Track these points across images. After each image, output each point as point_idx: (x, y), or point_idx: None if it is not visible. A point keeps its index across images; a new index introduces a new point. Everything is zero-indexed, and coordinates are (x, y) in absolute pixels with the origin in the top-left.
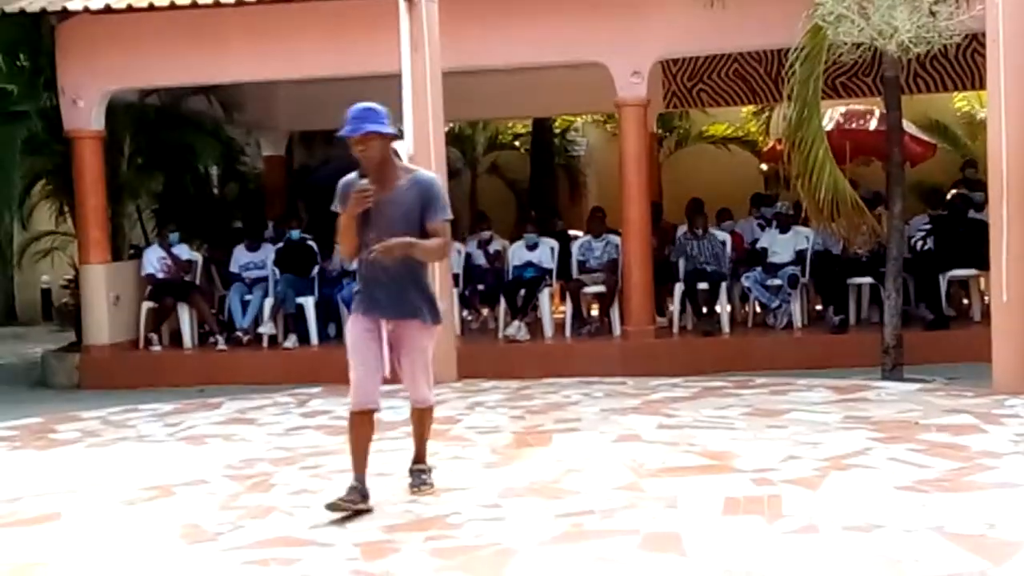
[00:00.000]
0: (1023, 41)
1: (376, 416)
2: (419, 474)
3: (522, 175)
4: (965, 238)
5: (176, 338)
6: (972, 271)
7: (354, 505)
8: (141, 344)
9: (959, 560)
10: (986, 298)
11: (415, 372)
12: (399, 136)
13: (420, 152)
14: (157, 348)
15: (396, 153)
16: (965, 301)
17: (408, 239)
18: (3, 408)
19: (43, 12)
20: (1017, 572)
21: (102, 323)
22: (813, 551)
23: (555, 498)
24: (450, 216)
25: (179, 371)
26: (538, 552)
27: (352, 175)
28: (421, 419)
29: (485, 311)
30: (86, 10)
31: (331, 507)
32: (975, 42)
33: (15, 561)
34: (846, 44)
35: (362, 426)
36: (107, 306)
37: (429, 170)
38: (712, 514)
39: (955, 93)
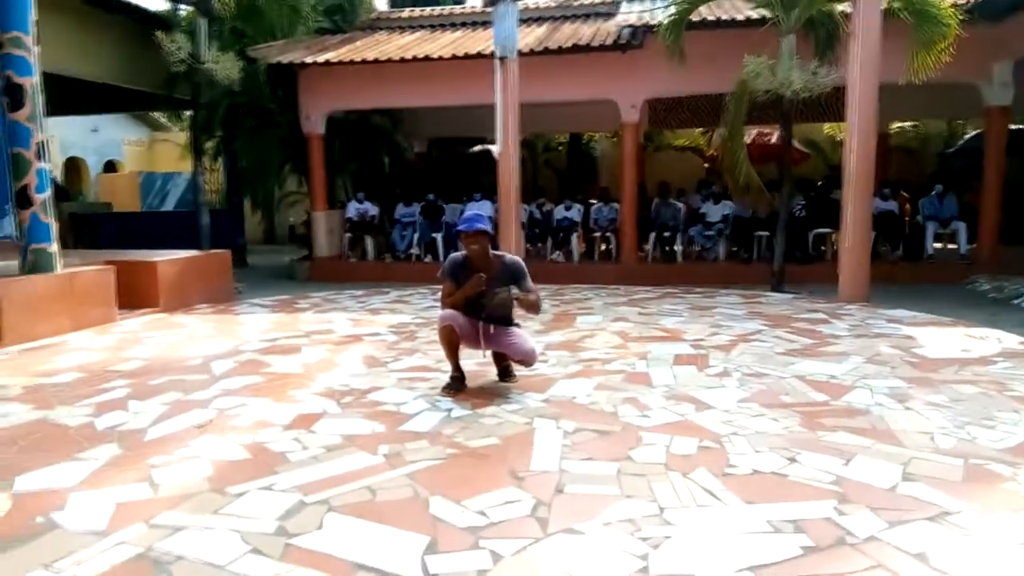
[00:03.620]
0: (869, 93)
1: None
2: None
3: (562, 166)
4: (825, 209)
5: (363, 255)
6: (828, 229)
7: (457, 383)
8: (344, 257)
9: (813, 395)
10: (835, 246)
11: (521, 340)
12: (494, 237)
13: (505, 151)
14: (353, 260)
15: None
16: (822, 248)
17: (514, 292)
18: (268, 289)
19: (291, 63)
20: (849, 402)
21: (322, 244)
22: (725, 387)
23: (576, 351)
24: (532, 283)
25: (365, 273)
26: (566, 381)
27: (458, 255)
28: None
29: (539, 245)
30: (315, 63)
31: (443, 390)
32: (838, 91)
33: (277, 371)
34: (761, 91)
35: (449, 332)
36: (325, 235)
37: (507, 158)
38: (667, 363)
39: (824, 123)
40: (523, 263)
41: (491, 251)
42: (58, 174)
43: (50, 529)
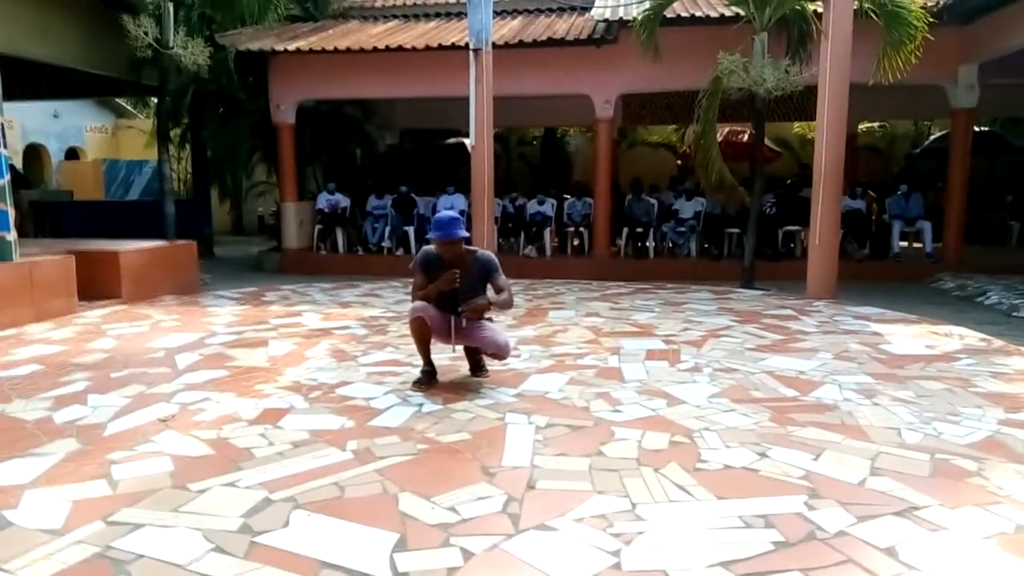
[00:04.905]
0: (839, 92)
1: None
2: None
3: (536, 160)
4: (795, 207)
5: (334, 247)
6: (797, 227)
7: (428, 377)
8: (314, 249)
9: (783, 390)
10: (804, 243)
11: (493, 334)
12: (469, 238)
13: (478, 145)
14: (323, 252)
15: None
16: (791, 245)
17: (488, 299)
18: (235, 281)
19: (261, 51)
20: (818, 398)
21: (292, 236)
22: (697, 382)
23: (549, 346)
24: (504, 278)
25: (335, 266)
26: (538, 375)
27: (430, 248)
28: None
29: (512, 239)
30: (286, 51)
31: (414, 385)
32: (810, 91)
33: (242, 364)
34: (733, 88)
35: (420, 324)
36: (295, 226)
37: (481, 151)
38: (639, 358)
39: (795, 122)
40: (495, 258)
41: (464, 247)
42: (18, 161)
43: (3, 528)
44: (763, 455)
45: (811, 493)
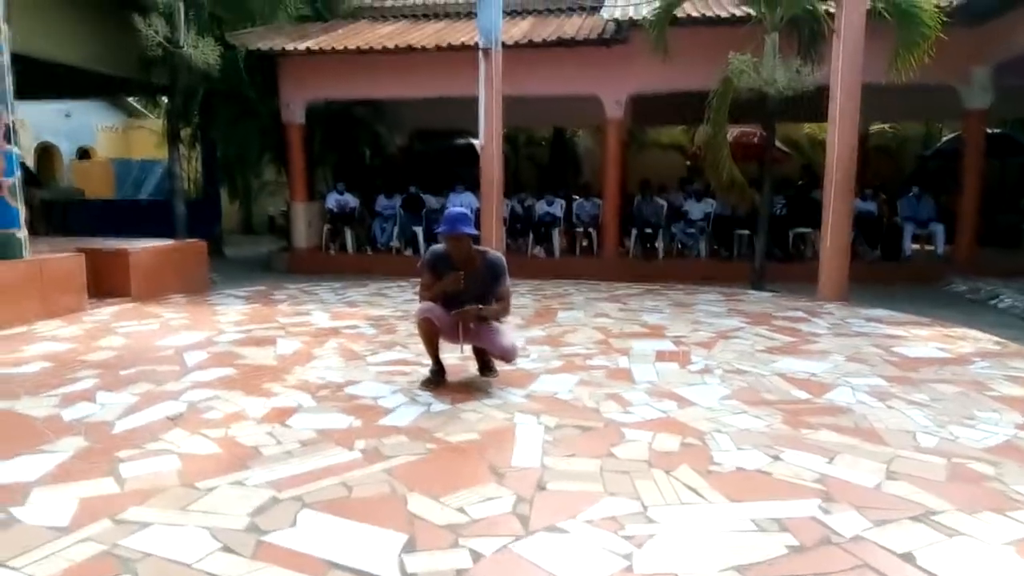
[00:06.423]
0: (851, 93)
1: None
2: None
3: (545, 161)
4: (805, 209)
5: (343, 247)
6: (808, 229)
7: (436, 377)
8: (323, 249)
9: (795, 392)
10: (815, 245)
11: (500, 336)
12: (478, 237)
13: (487, 145)
14: (332, 252)
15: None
16: (802, 247)
17: (481, 308)
18: (244, 280)
19: (271, 50)
20: (831, 400)
21: (301, 236)
22: (707, 384)
23: (558, 346)
24: (509, 284)
25: (344, 265)
26: (547, 376)
27: (439, 247)
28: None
29: (520, 240)
30: (296, 50)
31: (423, 384)
32: (821, 91)
33: (251, 363)
34: (745, 88)
35: (427, 325)
36: (304, 226)
37: (490, 152)
38: (649, 360)
39: (804, 123)
40: (504, 262)
41: (473, 247)
42: (30, 160)
43: (9, 525)
44: (776, 458)
45: (825, 497)
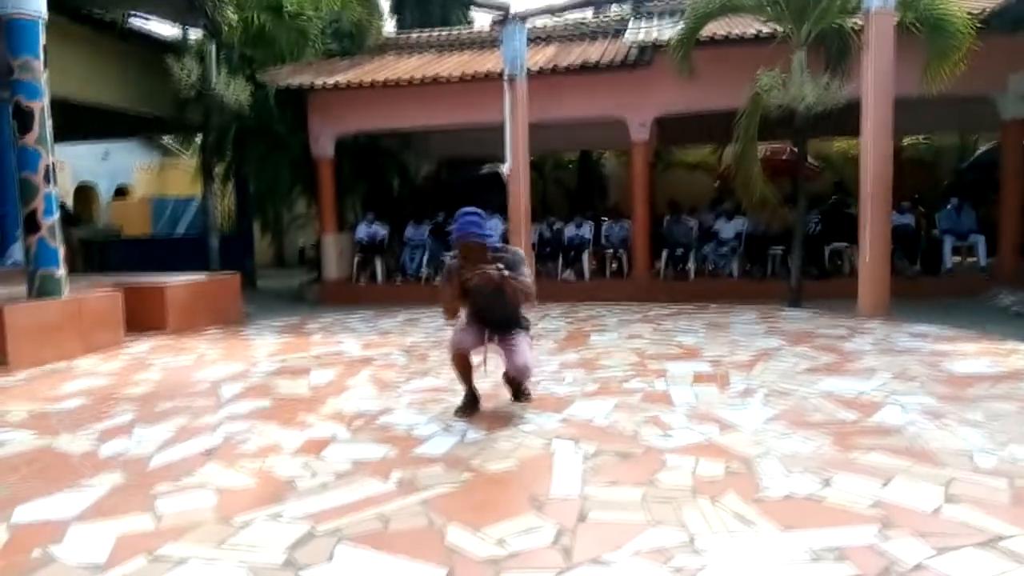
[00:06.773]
0: (883, 106)
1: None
2: (521, 395)
3: (573, 184)
4: (840, 224)
5: (372, 277)
6: (844, 244)
7: (470, 405)
8: (353, 280)
9: (842, 413)
10: (853, 261)
11: (516, 353)
12: (491, 239)
13: (515, 171)
14: (362, 283)
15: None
16: (839, 263)
17: (504, 271)
18: (277, 312)
19: (300, 87)
20: (881, 420)
21: (332, 267)
22: (749, 406)
23: (593, 370)
24: (529, 274)
25: (374, 296)
26: (583, 401)
27: (453, 261)
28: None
29: (550, 264)
30: (324, 86)
31: (457, 412)
32: (850, 107)
33: (285, 394)
34: (774, 106)
35: (461, 359)
36: (335, 257)
37: (517, 178)
38: (686, 382)
39: (834, 139)
40: (522, 253)
41: (490, 251)
42: (69, 200)
43: (47, 563)
44: (827, 483)
45: (883, 523)
